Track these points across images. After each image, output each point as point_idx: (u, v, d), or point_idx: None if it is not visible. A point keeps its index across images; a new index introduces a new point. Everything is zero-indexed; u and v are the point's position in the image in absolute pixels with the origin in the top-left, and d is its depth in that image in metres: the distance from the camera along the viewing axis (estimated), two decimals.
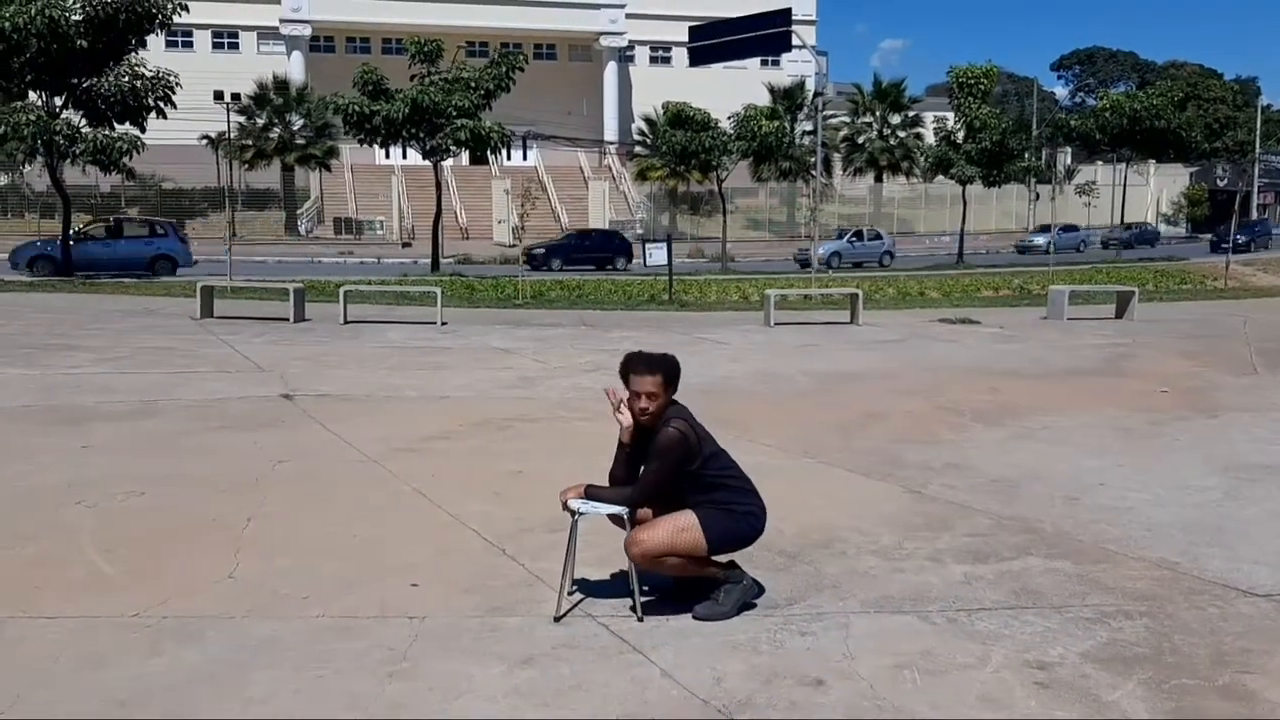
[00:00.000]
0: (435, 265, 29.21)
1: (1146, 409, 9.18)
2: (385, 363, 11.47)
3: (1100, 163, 59.57)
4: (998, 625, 4.30)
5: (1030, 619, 4.37)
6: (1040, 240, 45.14)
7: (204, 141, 46.28)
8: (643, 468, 4.37)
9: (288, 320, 14.97)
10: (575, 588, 4.56)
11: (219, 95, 45.41)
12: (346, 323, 15.02)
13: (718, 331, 14.72)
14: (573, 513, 4.32)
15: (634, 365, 4.33)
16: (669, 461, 4.28)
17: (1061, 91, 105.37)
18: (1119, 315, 16.95)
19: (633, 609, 4.32)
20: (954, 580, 4.81)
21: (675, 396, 4.44)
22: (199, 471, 6.61)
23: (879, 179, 56.21)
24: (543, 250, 36.21)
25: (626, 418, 4.37)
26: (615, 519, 4.37)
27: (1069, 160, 64.24)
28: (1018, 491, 6.40)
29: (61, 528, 5.42)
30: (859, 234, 43.68)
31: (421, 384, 10.15)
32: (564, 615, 4.30)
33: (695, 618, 4.32)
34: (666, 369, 4.34)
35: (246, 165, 47.49)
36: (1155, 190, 69.86)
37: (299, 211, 52.01)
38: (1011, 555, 5.17)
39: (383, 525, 5.52)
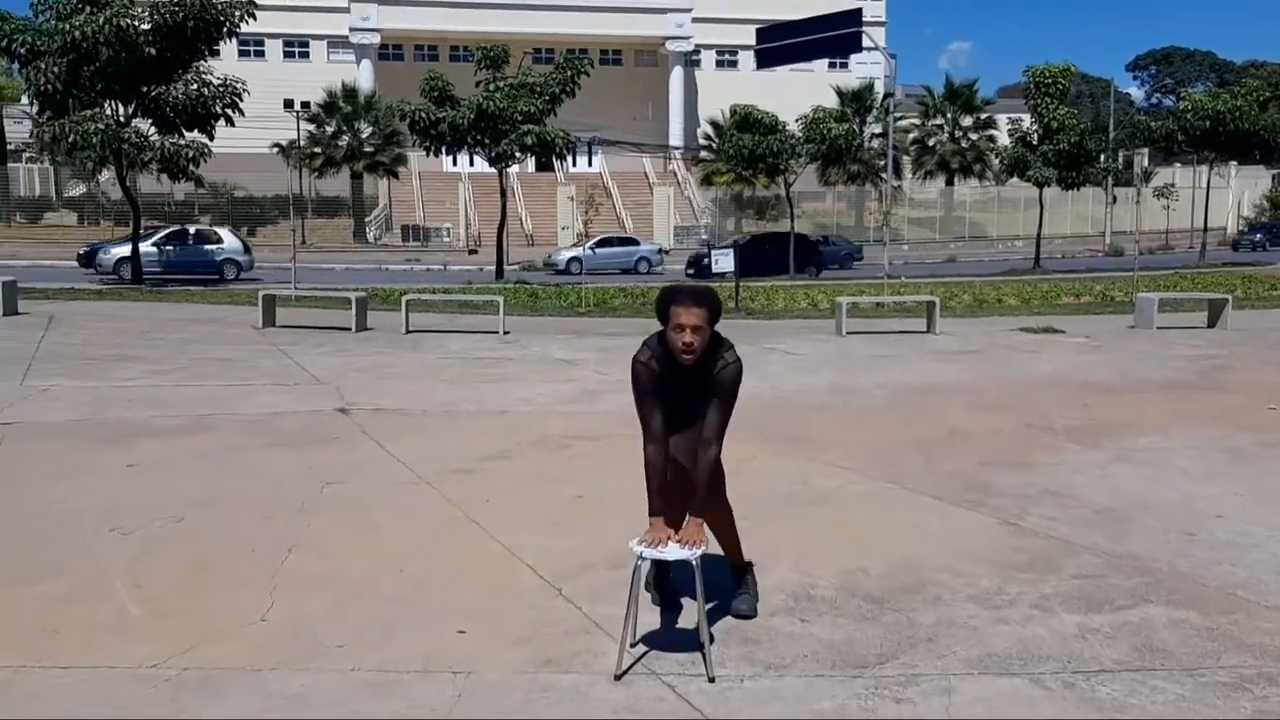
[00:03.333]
0: (500, 273, 29.00)
1: (1254, 427, 8.47)
2: (445, 375, 11.12)
3: (1179, 165, 57.78)
4: (1123, 692, 3.75)
5: (1159, 684, 3.82)
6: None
7: (275, 149, 46.69)
8: (709, 411, 4.00)
9: (350, 330, 14.73)
10: (637, 639, 4.09)
11: (289, 104, 45.91)
12: (408, 332, 14.74)
13: (787, 340, 14.18)
14: (638, 556, 3.86)
15: (679, 297, 3.95)
16: (734, 394, 4.05)
17: (1137, 93, 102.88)
18: (1211, 324, 16.07)
19: (704, 665, 3.85)
20: (1066, 634, 4.26)
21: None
22: (244, 494, 6.27)
23: (950, 182, 54.95)
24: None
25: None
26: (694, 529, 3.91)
27: (1145, 163, 62.45)
28: (1126, 525, 5.80)
29: (92, 559, 5.08)
30: (607, 240, 40.99)
31: (481, 398, 9.77)
32: (625, 673, 3.83)
33: (741, 615, 4.32)
34: (712, 303, 3.97)
35: (316, 173, 47.85)
36: (1236, 193, 67.62)
37: (367, 219, 52.31)
38: (1128, 603, 4.60)
39: (432, 558, 5.11)
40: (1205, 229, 42.37)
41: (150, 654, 3.98)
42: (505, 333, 14.70)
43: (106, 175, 40.34)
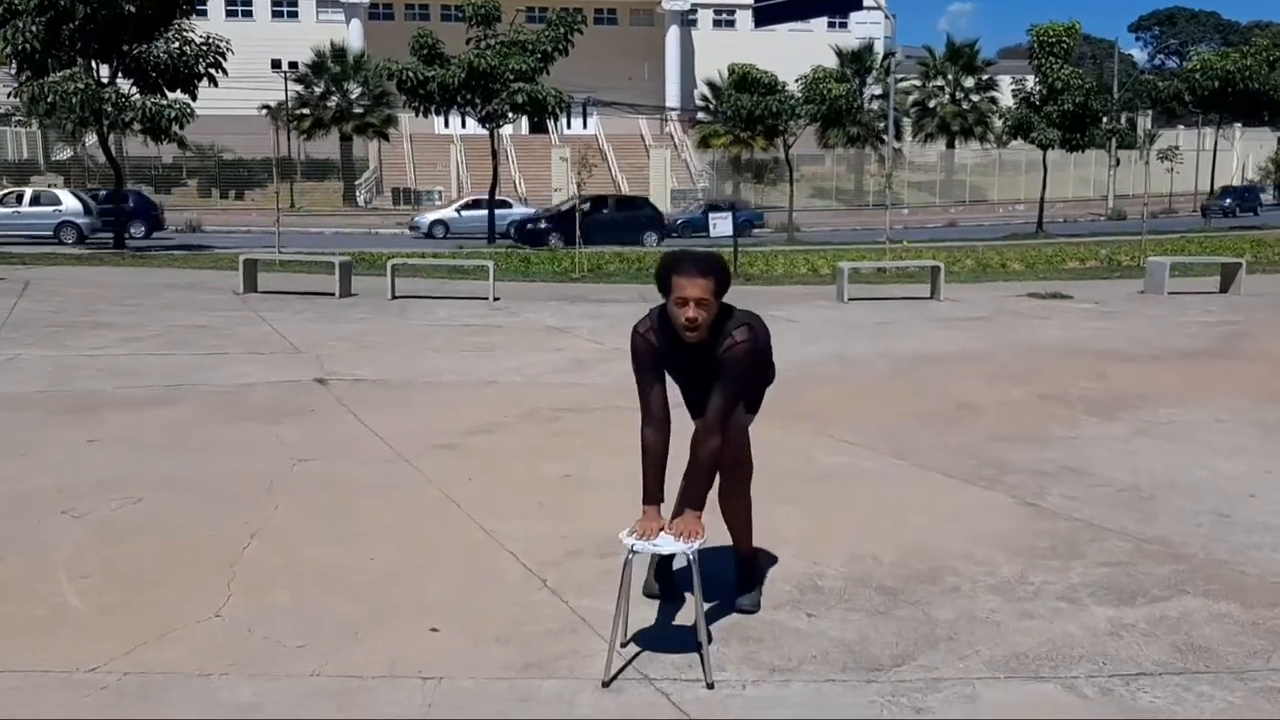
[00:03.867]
0: (491, 237, 28.47)
1: None
2: (430, 343, 10.70)
3: (1182, 127, 57.06)
4: (1166, 699, 3.37)
5: (1205, 689, 3.43)
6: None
7: (263, 111, 45.93)
8: (714, 392, 3.57)
9: (333, 295, 14.28)
10: (629, 638, 3.70)
11: (276, 64, 45.01)
12: (394, 298, 14.29)
13: (787, 308, 13.74)
14: (630, 550, 3.46)
15: (682, 266, 3.48)
16: (742, 378, 3.61)
17: (1140, 55, 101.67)
18: (1224, 289, 15.64)
19: (702, 668, 3.46)
20: (1099, 630, 3.87)
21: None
22: (209, 472, 5.87)
23: (950, 145, 54.23)
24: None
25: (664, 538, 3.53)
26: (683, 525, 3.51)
27: (1149, 125, 61.67)
28: (1153, 505, 5.41)
29: (37, 545, 4.68)
30: (477, 202, 36.74)
31: (467, 367, 9.35)
32: (614, 678, 3.44)
33: (744, 610, 3.94)
34: (719, 272, 3.51)
35: (304, 135, 47.10)
36: (1241, 155, 66.90)
37: (357, 182, 51.64)
38: (1163, 594, 4.22)
39: (406, 545, 4.71)
40: (1211, 192, 41.85)
41: (89, 655, 3.58)
42: (495, 299, 14.26)
43: (93, 139, 39.70)
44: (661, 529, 3.48)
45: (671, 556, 3.87)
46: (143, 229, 31.09)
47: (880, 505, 5.38)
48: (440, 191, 50.86)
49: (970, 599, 4.14)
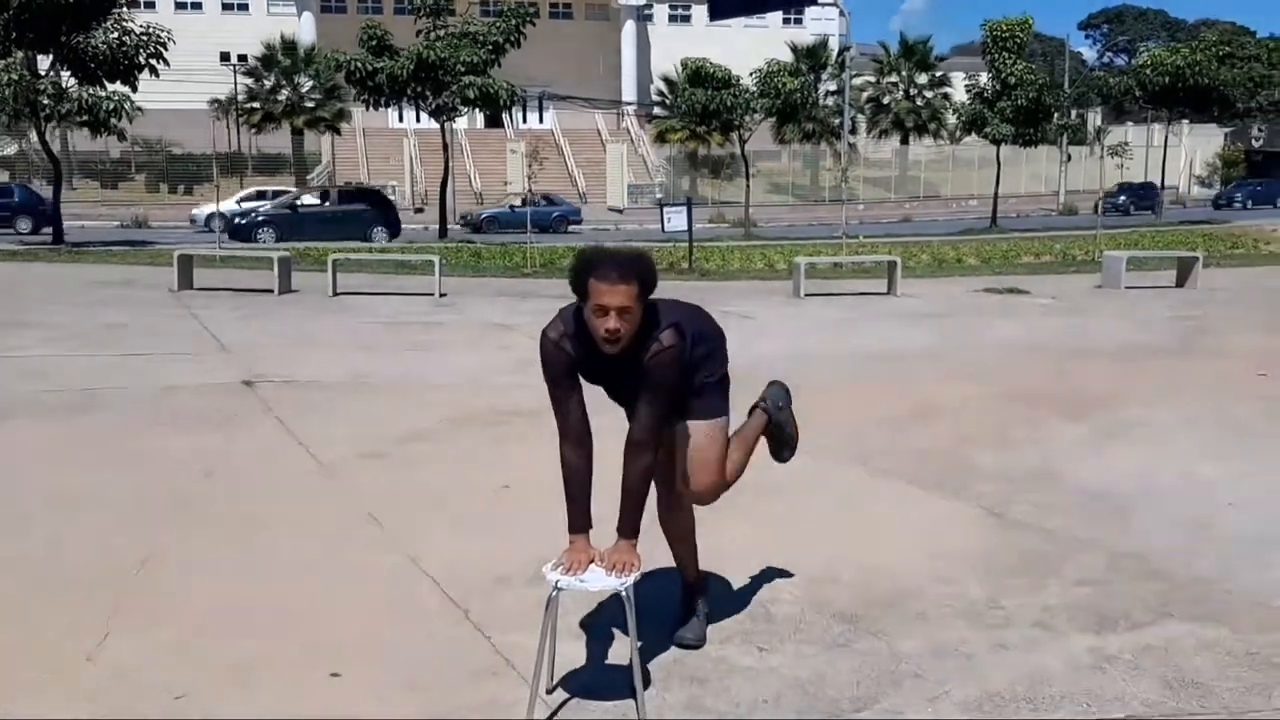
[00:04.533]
0: (443, 231, 27.90)
1: (1249, 397, 7.80)
2: (369, 341, 10.21)
3: (1130, 124, 57.45)
4: None
5: None
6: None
7: (214, 105, 44.91)
8: (640, 404, 3.15)
9: (272, 292, 13.72)
10: (555, 683, 3.28)
11: (225, 57, 44.08)
12: (336, 294, 13.76)
13: (743, 303, 13.38)
14: (554, 586, 3.04)
15: (600, 269, 3.00)
16: (672, 387, 3.17)
17: (1089, 53, 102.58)
18: (1180, 284, 15.51)
19: (637, 716, 3.05)
20: (1080, 662, 3.50)
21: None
22: (111, 488, 5.37)
23: (904, 141, 54.34)
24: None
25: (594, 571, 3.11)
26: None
27: (1099, 121, 62.09)
28: (1127, 514, 5.07)
29: None
30: (260, 194, 35.48)
31: (406, 368, 8.89)
32: None
33: (686, 645, 3.51)
34: (642, 273, 3.05)
35: (254, 129, 46.15)
36: (1189, 151, 67.53)
37: (309, 177, 50.68)
38: (1146, 618, 3.86)
39: (315, 572, 4.25)
40: (1163, 187, 42.14)
41: None
42: (442, 295, 13.77)
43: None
44: (591, 560, 3.07)
45: None
46: (29, 225, 29.19)
47: (839, 518, 5.00)
48: (394, 186, 50.08)
49: (937, 627, 3.76)
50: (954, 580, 4.18)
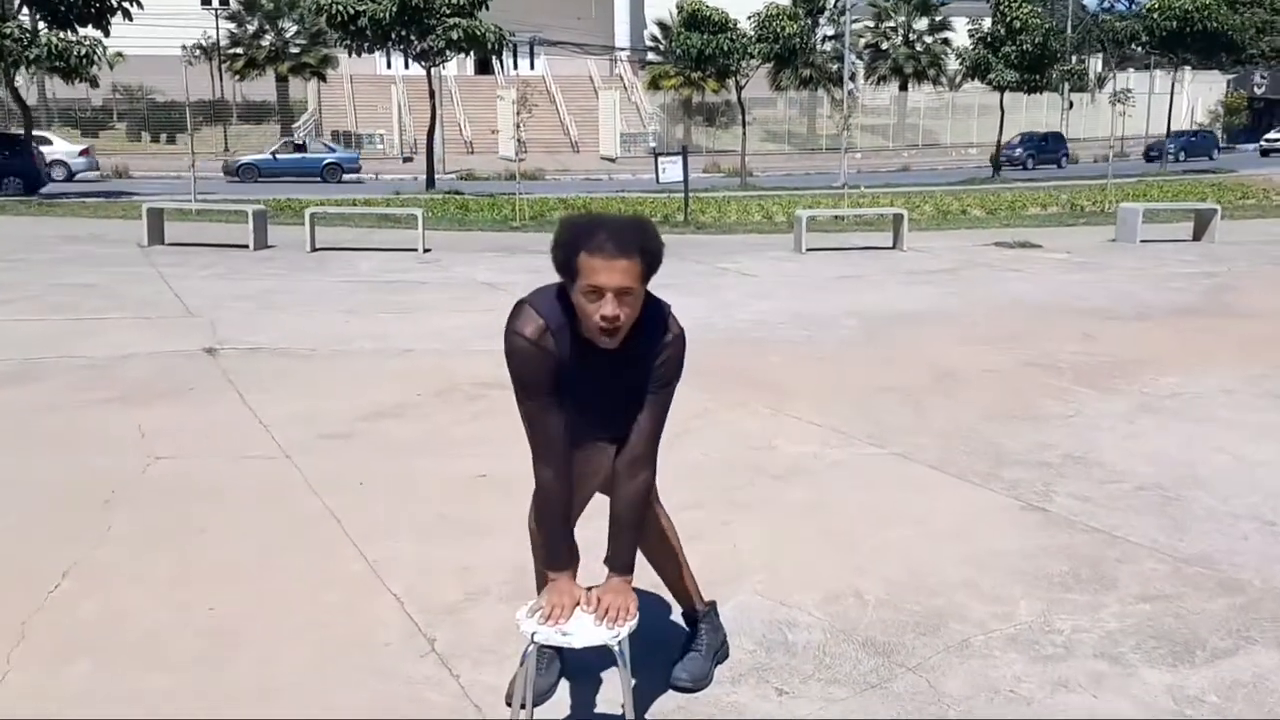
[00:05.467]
0: (430, 182, 27.09)
1: None
2: (345, 302, 9.58)
3: (1132, 71, 56.36)
4: None
5: None
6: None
7: (193, 50, 43.73)
8: (641, 413, 2.58)
9: (248, 248, 13.05)
10: None
11: (206, 0, 42.89)
12: (314, 250, 13.08)
13: (742, 259, 12.75)
14: (530, 639, 2.46)
15: (594, 240, 2.40)
16: (673, 389, 2.62)
17: None
18: (1197, 237, 14.88)
19: None
20: (1158, 705, 2.95)
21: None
22: (43, 476, 4.78)
23: (903, 88, 53.25)
24: None
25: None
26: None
27: (1100, 68, 60.96)
28: (1180, 507, 4.51)
29: None
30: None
31: (383, 332, 8.27)
32: None
33: (684, 689, 2.89)
34: (648, 246, 2.46)
35: (237, 76, 45.04)
36: (1191, 98, 66.46)
37: (295, 125, 49.57)
38: (1226, 644, 3.30)
39: (261, 584, 3.68)
40: (1168, 134, 41.32)
41: None
42: (425, 250, 13.11)
43: (21, 80, 37.49)
44: (577, 604, 2.49)
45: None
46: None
47: (859, 513, 4.43)
48: (382, 134, 49.04)
49: (986, 660, 3.19)
50: (998, 596, 3.62)
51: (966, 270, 11.92)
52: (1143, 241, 14.27)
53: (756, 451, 5.24)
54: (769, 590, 3.61)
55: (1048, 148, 43.39)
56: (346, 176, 34.85)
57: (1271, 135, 50.04)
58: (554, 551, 2.55)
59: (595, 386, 2.56)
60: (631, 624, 2.47)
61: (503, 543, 3.88)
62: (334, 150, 37.22)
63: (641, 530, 2.62)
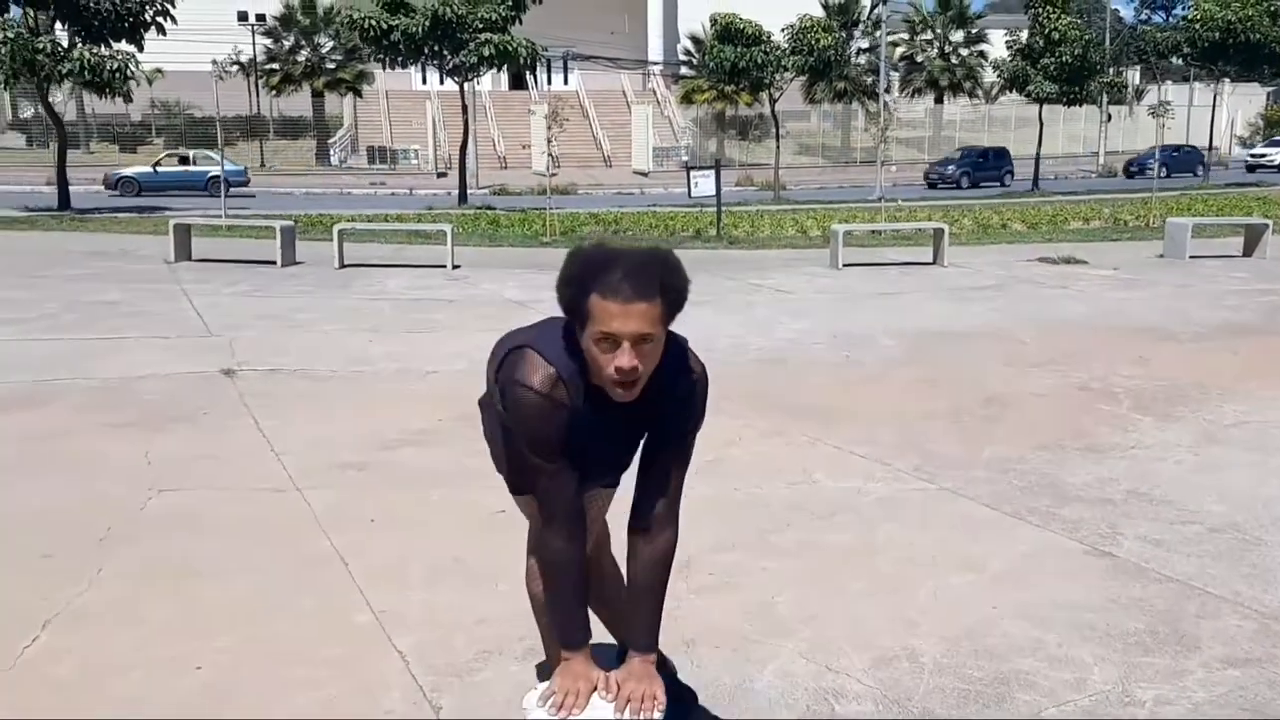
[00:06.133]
0: (463, 197, 26.92)
1: None
2: (369, 321, 9.32)
3: (1170, 83, 55.48)
4: None
5: None
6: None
7: (233, 64, 43.98)
8: (663, 463, 2.28)
9: (275, 264, 12.85)
10: None
11: (243, 16, 43.13)
12: (342, 267, 12.86)
13: (776, 275, 12.40)
14: None
15: (607, 279, 2.06)
16: (694, 439, 2.30)
17: (1125, 10, 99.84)
18: (1247, 253, 14.38)
19: None
20: None
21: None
22: (37, 509, 4.52)
23: (939, 100, 52.74)
24: None
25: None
26: None
27: (1137, 80, 60.10)
28: (1261, 552, 4.12)
29: None
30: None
31: (406, 352, 8.00)
32: None
33: None
34: (671, 283, 2.11)
35: (274, 91, 45.23)
36: (1230, 111, 65.35)
37: (331, 140, 49.77)
38: None
39: (256, 639, 3.37)
40: (1210, 147, 40.57)
41: None
42: (455, 267, 12.86)
43: (59, 97, 37.78)
44: (594, 689, 2.16)
45: None
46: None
47: (909, 558, 4.07)
48: (417, 150, 49.08)
49: None
50: (1069, 659, 3.25)
51: (1010, 287, 11.51)
52: (1191, 257, 13.80)
53: (795, 487, 4.89)
54: (813, 652, 3.26)
55: (987, 165, 39.64)
56: (235, 190, 33.41)
57: (1258, 150, 48.56)
58: (567, 628, 2.23)
59: (606, 437, 2.24)
60: (659, 716, 2.14)
61: (520, 590, 3.51)
62: (219, 164, 35.74)
63: (662, 602, 2.29)
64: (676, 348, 2.24)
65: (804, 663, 3.20)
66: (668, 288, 2.08)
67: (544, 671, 2.83)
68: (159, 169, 33.54)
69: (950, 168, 39.48)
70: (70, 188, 23.39)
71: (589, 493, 2.35)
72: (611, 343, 2.06)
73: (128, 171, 33.91)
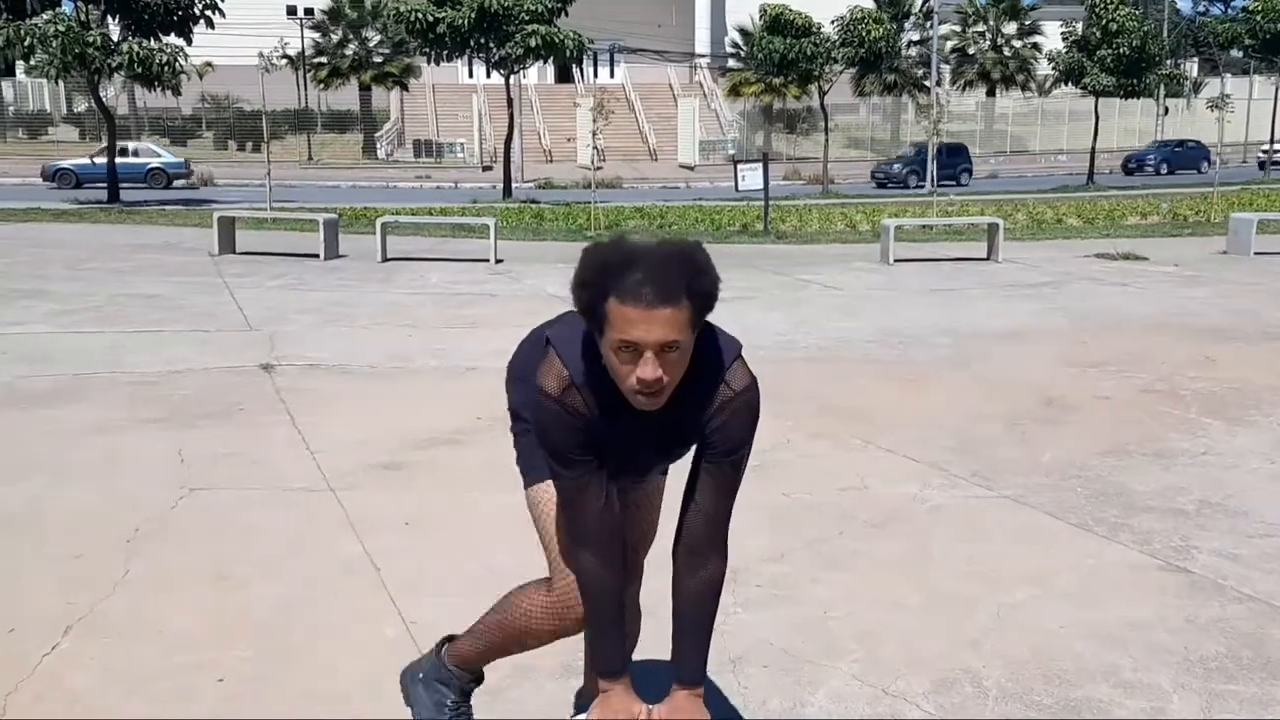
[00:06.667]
0: (508, 190, 26.88)
1: None
2: (410, 316, 9.22)
3: (1229, 76, 54.27)
4: None
5: None
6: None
7: (281, 60, 44.32)
8: (709, 487, 2.06)
9: (318, 257, 12.80)
10: None
11: (292, 10, 43.44)
12: (385, 260, 12.79)
13: (825, 271, 12.16)
14: None
15: (626, 282, 1.84)
16: (744, 459, 2.06)
17: (1184, 2, 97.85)
18: None
19: None
20: None
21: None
22: (67, 506, 4.42)
23: (990, 93, 52.00)
24: None
25: None
26: None
27: (1195, 72, 58.86)
28: None
29: None
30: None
31: (446, 348, 7.87)
32: None
33: None
34: (697, 287, 1.88)
35: (321, 84, 45.54)
36: None
37: (378, 134, 50.03)
38: None
39: (281, 647, 3.23)
40: (1272, 140, 39.56)
41: None
42: (497, 261, 12.75)
43: (111, 91, 38.25)
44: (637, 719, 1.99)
45: None
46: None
47: (969, 571, 3.85)
48: (463, 143, 49.18)
49: None
50: (1145, 685, 3.02)
51: (1068, 284, 11.18)
52: (1256, 254, 13.36)
53: (846, 493, 4.68)
54: (867, 673, 3.06)
55: (940, 161, 35.18)
56: (176, 183, 33.14)
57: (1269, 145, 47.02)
58: (605, 655, 2.06)
59: (629, 450, 2.06)
60: None
61: None
62: (161, 156, 34.93)
63: (710, 631, 2.09)
64: (714, 352, 2.02)
65: (858, 685, 2.99)
66: (694, 289, 1.87)
67: (582, 698, 2.66)
68: (95, 160, 32.11)
69: (895, 166, 38.17)
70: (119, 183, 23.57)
71: (629, 494, 2.18)
72: (633, 352, 1.86)
73: (65, 164, 33.70)
